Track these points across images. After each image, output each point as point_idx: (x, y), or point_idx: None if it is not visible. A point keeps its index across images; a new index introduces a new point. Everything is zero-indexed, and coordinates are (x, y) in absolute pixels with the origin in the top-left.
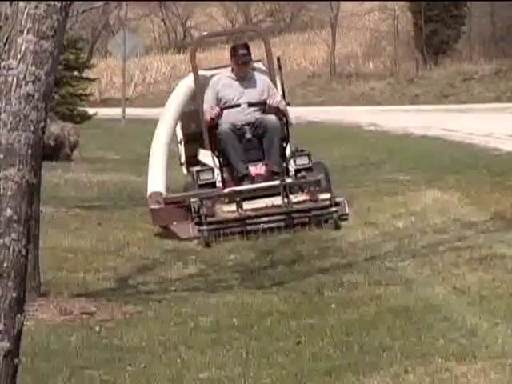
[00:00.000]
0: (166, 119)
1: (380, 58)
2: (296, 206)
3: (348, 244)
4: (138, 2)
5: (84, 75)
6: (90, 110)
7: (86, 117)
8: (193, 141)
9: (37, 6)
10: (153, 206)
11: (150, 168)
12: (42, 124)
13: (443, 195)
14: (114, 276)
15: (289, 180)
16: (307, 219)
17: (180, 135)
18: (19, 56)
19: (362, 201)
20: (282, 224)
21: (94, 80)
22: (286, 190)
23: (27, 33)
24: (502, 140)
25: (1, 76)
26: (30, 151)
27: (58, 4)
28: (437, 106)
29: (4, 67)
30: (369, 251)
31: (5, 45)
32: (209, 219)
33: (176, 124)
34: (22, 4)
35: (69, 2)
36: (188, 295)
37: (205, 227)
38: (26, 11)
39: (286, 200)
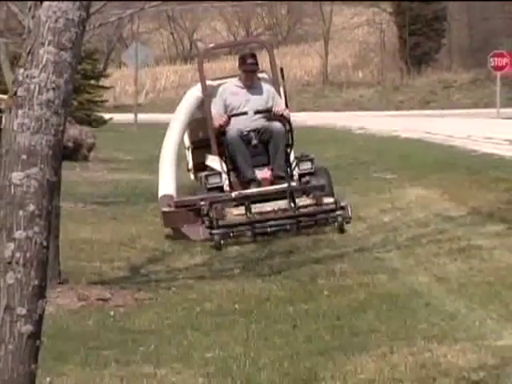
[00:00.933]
0: (175, 126)
1: (368, 68)
2: (303, 210)
3: (339, 236)
4: (149, 17)
5: (100, 83)
6: (106, 116)
7: (101, 121)
8: (200, 147)
9: (57, 20)
10: (164, 209)
11: (160, 172)
12: (62, 128)
13: (426, 192)
14: (127, 265)
15: (294, 184)
16: (313, 222)
17: (187, 142)
18: (41, 66)
19: (352, 197)
20: (288, 227)
21: (108, 88)
22: (293, 195)
23: (48, 44)
24: (478, 142)
25: (24, 84)
26: (50, 152)
27: (76, 19)
28: (419, 112)
29: (27, 76)
30: (358, 243)
31: (27, 55)
32: (220, 223)
33: (184, 131)
34: (43, 18)
35: (86, 17)
36: (194, 283)
37: (216, 231)
38: (47, 25)
39: (292, 204)
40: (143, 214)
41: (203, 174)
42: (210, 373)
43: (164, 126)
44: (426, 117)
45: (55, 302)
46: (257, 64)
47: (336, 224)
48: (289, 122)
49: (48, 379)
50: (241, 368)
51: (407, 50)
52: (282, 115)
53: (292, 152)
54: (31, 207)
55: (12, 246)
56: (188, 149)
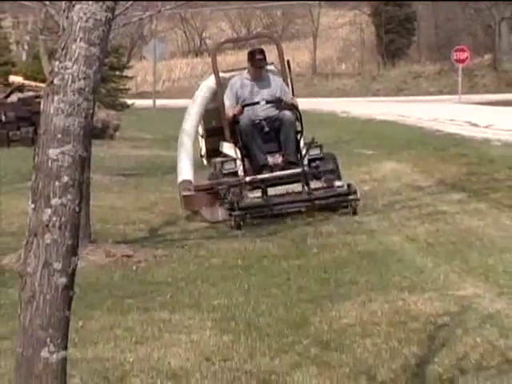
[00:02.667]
0: (191, 115)
1: (350, 61)
2: (316, 193)
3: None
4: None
5: (124, 74)
6: (129, 101)
7: (125, 106)
8: (213, 135)
9: (87, 20)
10: (184, 193)
11: (178, 159)
12: (91, 111)
13: (398, 166)
14: (147, 227)
15: (305, 168)
16: (326, 204)
17: (201, 130)
18: (73, 59)
19: None
20: (303, 209)
21: (131, 78)
22: (307, 178)
23: (79, 41)
24: (443, 124)
25: (59, 74)
26: (81, 132)
27: (103, 19)
28: (393, 98)
29: (62, 67)
30: (341, 208)
31: (62, 50)
32: (240, 204)
33: (200, 120)
34: (75, 18)
35: (111, 17)
36: (203, 242)
37: (236, 212)
38: (79, 24)
39: (306, 187)
40: (161, 184)
41: (219, 160)
42: (217, 318)
43: (178, 110)
44: (399, 102)
45: (86, 259)
46: (265, 59)
47: (350, 207)
48: (298, 110)
49: (80, 323)
50: (243, 314)
51: (383, 45)
52: (291, 104)
53: (302, 139)
54: (65, 178)
55: (49, 211)
56: (202, 136)
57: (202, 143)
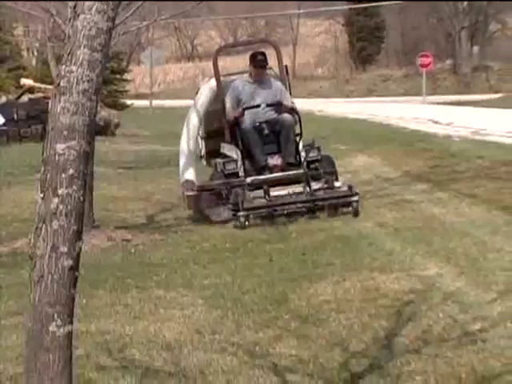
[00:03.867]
0: (193, 118)
1: (326, 66)
2: (317, 194)
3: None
4: (161, 27)
5: (123, 77)
6: (128, 101)
7: (125, 106)
8: (213, 137)
9: (90, 29)
10: (188, 193)
11: (180, 160)
12: (94, 110)
13: (369, 159)
14: (144, 215)
15: (307, 170)
16: (327, 205)
17: (201, 132)
18: (78, 63)
19: None
20: (304, 209)
21: (130, 81)
22: (308, 179)
23: (83, 47)
24: (409, 122)
25: (65, 77)
26: (85, 129)
27: (105, 28)
28: (364, 99)
29: (68, 71)
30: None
31: (68, 56)
32: (245, 205)
33: (201, 122)
34: (80, 27)
35: (112, 26)
36: (195, 228)
37: (241, 213)
38: (83, 33)
39: (307, 188)
40: (157, 176)
41: (220, 160)
42: (207, 295)
43: (172, 110)
44: (370, 103)
45: (89, 243)
46: (266, 61)
47: (351, 208)
48: (297, 113)
49: (84, 300)
50: (230, 292)
51: (355, 52)
52: (291, 108)
53: (301, 141)
54: (71, 171)
55: (56, 200)
56: (202, 138)
57: (202, 144)
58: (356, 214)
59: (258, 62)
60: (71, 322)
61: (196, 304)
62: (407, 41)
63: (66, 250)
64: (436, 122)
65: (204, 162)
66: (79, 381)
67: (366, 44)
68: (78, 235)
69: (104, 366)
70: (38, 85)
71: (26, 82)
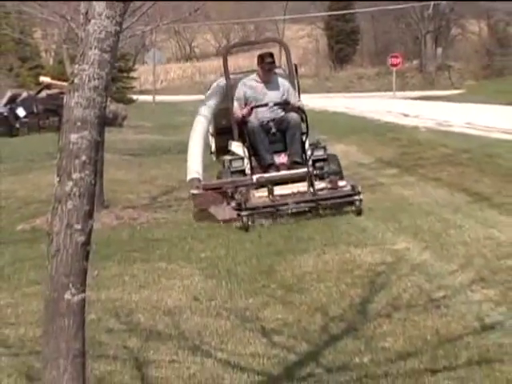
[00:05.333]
0: (202, 115)
1: (308, 65)
2: (321, 193)
3: None
4: (163, 31)
5: (130, 75)
6: (134, 97)
7: (131, 101)
8: (222, 134)
9: (100, 33)
10: (193, 192)
11: (188, 157)
12: (104, 105)
13: (346, 147)
14: (148, 196)
15: (311, 169)
16: (331, 204)
17: (211, 129)
18: (89, 63)
19: None
20: (307, 209)
21: (135, 78)
22: (312, 179)
23: (94, 49)
24: (381, 114)
25: (78, 75)
26: (96, 121)
27: (113, 31)
28: (342, 94)
29: (80, 70)
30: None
31: (80, 56)
32: (248, 205)
33: (211, 120)
34: (91, 31)
35: (119, 30)
36: (193, 208)
37: (244, 213)
38: (94, 35)
39: (311, 187)
40: (160, 162)
41: (227, 158)
42: (204, 267)
43: (173, 104)
44: (346, 98)
45: (100, 221)
46: (274, 62)
47: (354, 207)
48: (304, 112)
49: (95, 272)
50: (224, 264)
51: (334, 53)
52: (298, 107)
53: (307, 140)
54: (83, 158)
55: (71, 183)
56: (212, 135)
57: (212, 141)
58: (359, 212)
59: (267, 65)
60: (84, 291)
61: (194, 274)
62: (379, 43)
63: (79, 227)
64: (405, 115)
65: (214, 158)
66: (91, 342)
67: (343, 46)
68: (90, 214)
69: (113, 329)
70: (54, 82)
71: (45, 79)
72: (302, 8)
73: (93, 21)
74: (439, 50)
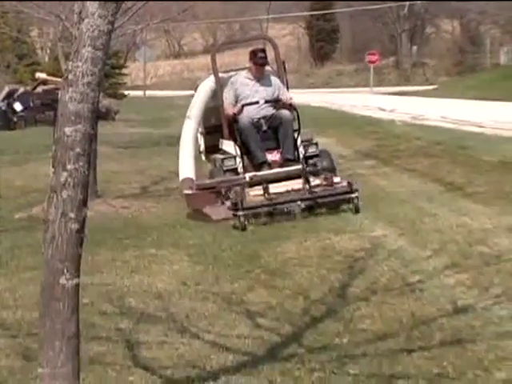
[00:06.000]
0: (193, 115)
1: (291, 62)
2: (316, 190)
3: None
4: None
5: (121, 72)
6: (125, 92)
7: (123, 96)
8: (211, 132)
9: (93, 31)
10: (186, 191)
11: (180, 157)
12: (97, 99)
13: (327, 140)
14: (139, 186)
15: (305, 166)
16: (328, 202)
17: (201, 128)
18: (83, 60)
19: None
20: (303, 206)
21: (127, 75)
22: (307, 176)
23: (87, 46)
24: (359, 109)
25: (72, 71)
26: (89, 115)
27: (106, 30)
28: (323, 90)
29: (74, 66)
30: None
31: (74, 54)
32: (245, 205)
33: (200, 119)
34: (84, 30)
35: (111, 29)
36: (182, 197)
37: (241, 212)
38: (87, 34)
39: (307, 185)
40: (150, 154)
41: (219, 157)
42: (192, 253)
43: (162, 99)
44: (327, 93)
45: (94, 209)
46: (266, 58)
47: (352, 205)
48: (296, 109)
49: (89, 257)
50: (211, 250)
51: (315, 51)
52: (290, 104)
53: (299, 137)
54: (77, 150)
55: (65, 174)
56: (201, 134)
57: (202, 140)
58: (357, 210)
59: (259, 60)
60: (78, 276)
61: (182, 260)
62: (357, 41)
63: (73, 215)
64: (382, 109)
65: (203, 157)
66: (85, 324)
67: (323, 44)
68: (84, 203)
69: (106, 312)
70: (50, 78)
71: (41, 75)
72: (284, 8)
73: (86, 20)
74: (414, 47)
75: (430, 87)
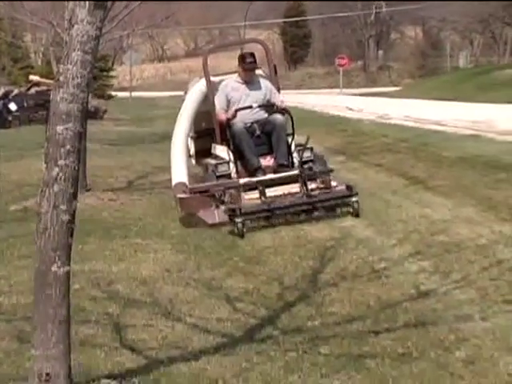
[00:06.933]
0: (183, 119)
1: (265, 66)
2: (316, 194)
3: None
4: (138, 35)
5: (109, 74)
6: (113, 93)
7: (110, 96)
8: (202, 137)
9: (82, 36)
10: (180, 195)
11: (172, 162)
12: (86, 100)
13: (299, 138)
14: (126, 180)
15: (296, 171)
16: (329, 206)
17: (191, 132)
18: (73, 63)
19: None
20: (301, 210)
21: (114, 77)
22: (305, 180)
23: (77, 50)
24: (329, 109)
25: (63, 74)
26: (79, 114)
27: (94, 35)
28: (295, 91)
29: (65, 69)
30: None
31: (65, 57)
32: (243, 210)
33: (191, 123)
34: (74, 35)
35: (99, 34)
36: (166, 190)
37: (239, 219)
38: (77, 39)
39: (304, 188)
40: (136, 150)
41: (212, 162)
42: (174, 242)
43: (147, 99)
44: (299, 94)
45: (83, 202)
46: (256, 63)
47: (352, 209)
48: (289, 113)
49: (79, 246)
50: (192, 239)
51: (288, 55)
52: (283, 108)
53: (293, 141)
54: (68, 146)
55: (57, 169)
56: (191, 138)
57: (192, 144)
58: (357, 214)
59: (248, 65)
60: (69, 264)
61: (166, 249)
62: (328, 46)
63: (64, 207)
64: (350, 109)
65: (193, 162)
66: (76, 309)
67: (296, 49)
68: (74, 196)
69: (95, 297)
70: (42, 80)
71: (34, 77)
72: (260, 15)
73: (76, 26)
74: (380, 52)
75: (395, 88)
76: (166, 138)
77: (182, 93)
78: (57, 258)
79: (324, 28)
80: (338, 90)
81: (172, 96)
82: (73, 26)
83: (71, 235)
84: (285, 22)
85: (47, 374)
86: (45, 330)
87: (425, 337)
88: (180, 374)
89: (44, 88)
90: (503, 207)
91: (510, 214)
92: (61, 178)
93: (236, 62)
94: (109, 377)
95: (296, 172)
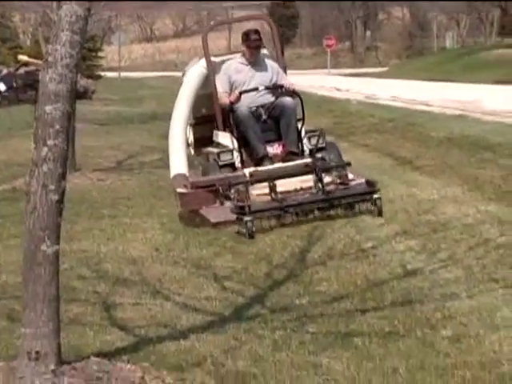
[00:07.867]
0: (182, 104)
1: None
2: (333, 190)
3: None
4: (127, 16)
5: (98, 55)
6: (101, 73)
7: (99, 77)
8: (201, 123)
9: (71, 17)
10: (180, 190)
11: (170, 151)
12: (75, 80)
13: None
14: (115, 160)
15: (309, 159)
16: (347, 203)
17: (190, 118)
18: (61, 43)
19: None
20: (320, 205)
21: (103, 57)
22: (320, 173)
23: (66, 31)
24: (317, 89)
25: (52, 54)
26: (68, 94)
27: (83, 15)
28: None
29: (54, 49)
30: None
31: (54, 37)
32: (252, 208)
33: (190, 108)
34: (63, 15)
35: (88, 14)
36: (155, 170)
37: (248, 218)
38: (65, 19)
39: (319, 183)
40: (125, 130)
41: (214, 150)
42: (163, 222)
43: (135, 80)
44: (288, 75)
45: (72, 182)
46: (261, 40)
47: (375, 207)
48: (299, 96)
49: (68, 226)
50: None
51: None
52: (292, 90)
53: (303, 127)
54: (57, 126)
55: (46, 149)
56: (190, 125)
57: (190, 132)
58: (380, 213)
59: (253, 42)
60: (58, 243)
61: (155, 228)
62: (316, 27)
63: (53, 187)
64: (338, 89)
65: (192, 151)
66: (65, 288)
67: (284, 29)
68: (63, 176)
69: (84, 276)
70: (31, 60)
71: (23, 57)
72: None
73: (64, 6)
74: (368, 32)
75: (382, 69)
76: (155, 118)
77: (171, 73)
78: (46, 237)
79: (312, 8)
80: (325, 71)
81: (161, 76)
82: (61, 6)
83: (60, 215)
84: (272, 2)
85: (37, 352)
86: (34, 308)
87: (411, 315)
88: (169, 351)
89: (33, 68)
90: (489, 187)
91: (495, 193)
92: (50, 158)
93: (225, 43)
94: (98, 355)
95: (308, 160)
